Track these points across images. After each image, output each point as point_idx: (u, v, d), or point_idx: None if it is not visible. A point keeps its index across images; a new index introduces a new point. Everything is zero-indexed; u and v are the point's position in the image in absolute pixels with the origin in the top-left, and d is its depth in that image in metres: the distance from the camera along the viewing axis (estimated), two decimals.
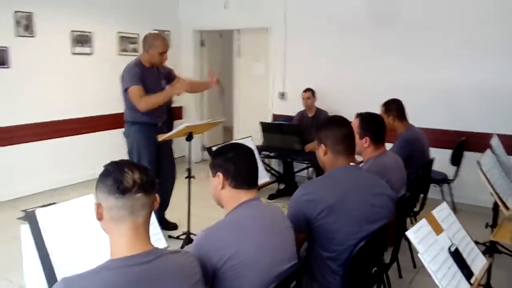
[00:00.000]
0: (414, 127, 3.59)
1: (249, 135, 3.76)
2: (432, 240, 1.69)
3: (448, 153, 4.39)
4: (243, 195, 1.70)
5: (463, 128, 4.71)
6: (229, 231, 1.61)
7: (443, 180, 4.35)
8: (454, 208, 4.35)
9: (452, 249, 1.72)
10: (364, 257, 1.97)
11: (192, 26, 6.63)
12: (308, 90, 5.19)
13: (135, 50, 5.99)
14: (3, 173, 4.70)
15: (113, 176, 1.29)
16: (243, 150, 1.79)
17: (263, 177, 3.25)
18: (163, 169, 3.82)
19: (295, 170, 5.40)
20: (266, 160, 5.08)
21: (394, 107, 3.52)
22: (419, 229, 1.67)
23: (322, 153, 2.11)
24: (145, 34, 3.74)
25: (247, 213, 1.68)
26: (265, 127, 4.98)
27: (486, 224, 2.95)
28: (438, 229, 1.76)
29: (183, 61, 6.53)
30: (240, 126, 6.68)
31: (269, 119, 5.96)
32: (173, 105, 5.89)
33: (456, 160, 4.39)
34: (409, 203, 3.01)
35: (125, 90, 3.56)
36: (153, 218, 1.83)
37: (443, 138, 4.67)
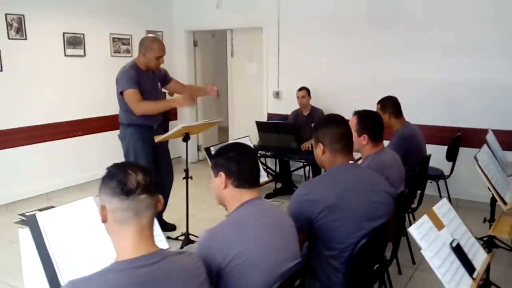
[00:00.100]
0: (410, 124, 3.61)
1: (244, 134, 3.76)
2: (434, 236, 1.70)
3: (443, 149, 4.42)
4: (246, 194, 1.71)
5: (458, 124, 4.74)
6: (232, 231, 1.61)
7: (439, 176, 4.38)
8: (450, 203, 4.37)
9: (454, 244, 1.73)
10: (366, 254, 1.97)
11: (185, 26, 6.61)
12: (302, 88, 5.20)
13: (128, 51, 5.96)
14: None
15: (117, 178, 1.28)
16: (245, 149, 1.80)
17: (262, 176, 3.25)
18: (161, 171, 3.81)
19: (292, 169, 5.41)
20: (262, 159, 5.08)
21: (390, 104, 3.53)
22: (421, 225, 1.68)
23: (320, 152, 2.12)
24: (142, 37, 3.72)
25: (250, 212, 1.68)
26: (260, 126, 4.97)
27: (484, 219, 2.97)
28: (439, 224, 1.77)
29: (176, 62, 6.51)
30: (235, 126, 6.68)
31: (264, 119, 5.96)
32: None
33: (451, 156, 4.41)
34: (407, 199, 3.02)
35: (121, 93, 3.53)
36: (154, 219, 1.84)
37: (438, 134, 4.70)
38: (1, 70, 4.61)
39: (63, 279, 1.72)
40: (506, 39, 4.48)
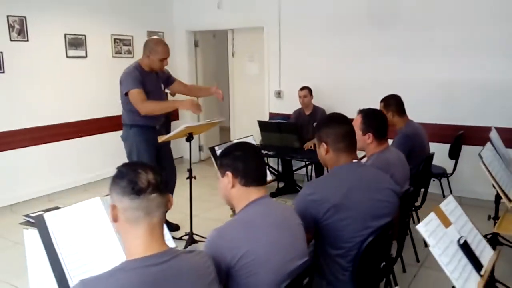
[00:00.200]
0: (413, 122, 3.61)
1: (245, 134, 3.77)
2: (442, 233, 1.71)
3: (446, 147, 4.42)
4: (254, 193, 1.71)
5: (460, 122, 4.75)
6: (241, 229, 1.61)
7: (442, 174, 4.38)
8: None
9: (461, 241, 1.73)
10: (373, 252, 1.98)
11: (186, 26, 6.61)
12: (304, 88, 5.20)
13: (129, 52, 5.97)
14: (0, 179, 4.65)
15: (128, 177, 1.28)
16: (250, 148, 1.81)
17: (267, 175, 3.26)
18: (164, 171, 3.81)
19: (294, 168, 5.41)
20: (265, 159, 5.08)
21: (393, 102, 3.54)
22: (428, 222, 1.68)
23: (324, 151, 2.12)
24: (147, 39, 3.72)
25: (258, 211, 1.68)
26: (263, 126, 4.97)
27: (489, 216, 2.97)
28: (446, 222, 1.78)
29: (177, 62, 6.51)
30: (237, 126, 6.69)
31: (265, 118, 5.97)
32: None
33: (454, 154, 4.42)
34: (411, 197, 3.02)
35: (126, 94, 3.53)
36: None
37: (441, 132, 4.70)
38: (3, 72, 4.61)
39: (72, 279, 1.72)
40: (507, 38, 4.49)
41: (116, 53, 5.82)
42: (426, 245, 3.04)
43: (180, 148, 5.70)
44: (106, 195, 1.97)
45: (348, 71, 5.39)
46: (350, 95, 5.28)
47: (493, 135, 3.34)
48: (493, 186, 2.74)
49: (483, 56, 4.60)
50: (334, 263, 2.01)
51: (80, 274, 1.75)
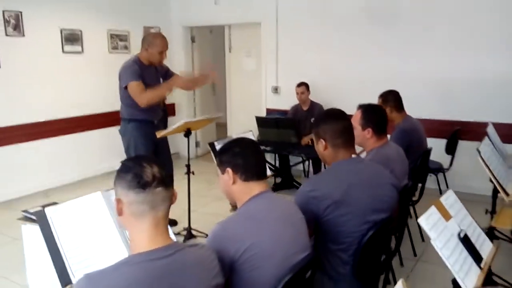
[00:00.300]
0: (411, 117, 3.63)
1: (242, 130, 3.78)
2: (442, 226, 1.72)
3: (443, 142, 4.45)
4: (255, 187, 1.71)
5: (457, 118, 4.78)
6: (244, 223, 1.62)
7: (438, 169, 4.41)
8: None
9: (462, 235, 1.75)
10: (373, 246, 1.99)
11: (183, 22, 6.59)
12: (301, 84, 5.20)
13: (126, 48, 5.94)
14: None
15: (133, 171, 1.28)
16: (248, 143, 1.81)
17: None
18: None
19: (291, 163, 5.42)
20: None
21: (392, 98, 3.55)
22: (429, 216, 1.70)
23: (322, 148, 2.12)
24: (145, 33, 3.72)
25: (260, 205, 1.69)
26: (260, 121, 4.97)
27: (486, 210, 3.00)
28: (446, 215, 1.79)
29: (174, 58, 6.47)
30: (233, 122, 6.68)
31: (262, 114, 5.96)
32: (166, 102, 5.85)
33: (451, 149, 4.44)
34: (410, 192, 3.04)
35: (125, 87, 3.53)
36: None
37: (438, 128, 4.72)
38: None
39: (73, 274, 1.73)
40: (504, 34, 4.52)
41: (112, 48, 5.79)
42: (423, 239, 3.06)
43: (176, 144, 5.68)
44: (107, 190, 1.98)
45: (345, 66, 5.40)
46: (347, 90, 5.29)
47: (490, 130, 3.37)
48: (491, 180, 2.77)
49: (481, 53, 4.62)
50: (335, 257, 2.02)
51: (81, 268, 1.75)
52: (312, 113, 5.12)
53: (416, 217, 3.65)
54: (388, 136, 3.36)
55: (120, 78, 3.58)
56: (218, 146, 3.05)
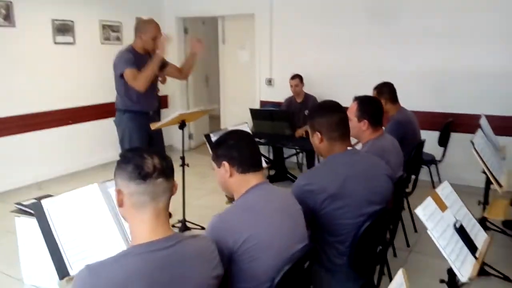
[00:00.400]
0: (405, 109, 3.65)
1: (236, 122, 3.76)
2: (439, 217, 1.74)
3: (435, 134, 4.49)
4: (252, 179, 1.71)
5: (449, 110, 4.82)
6: (243, 214, 1.62)
7: (431, 161, 4.45)
8: None
9: (458, 225, 1.77)
10: (370, 237, 2.01)
11: (175, 13, 6.53)
12: (295, 77, 5.20)
13: (118, 39, 5.88)
14: None
15: (133, 162, 1.28)
16: (242, 135, 1.80)
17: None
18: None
19: (285, 156, 5.43)
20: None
21: (386, 90, 3.56)
22: (426, 207, 1.71)
23: (318, 141, 2.11)
24: (137, 21, 3.69)
25: (258, 196, 1.69)
26: (254, 113, 4.97)
27: (479, 201, 3.03)
28: (442, 206, 1.81)
29: (166, 49, 6.42)
30: (227, 114, 6.67)
31: (256, 106, 5.95)
32: (159, 94, 5.82)
33: (443, 141, 4.48)
34: (404, 184, 3.06)
35: (120, 76, 3.51)
36: None
37: (430, 120, 4.75)
38: None
39: (71, 265, 1.72)
40: (496, 26, 4.55)
41: (104, 39, 5.73)
42: (415, 230, 3.08)
43: (169, 137, 5.66)
44: (104, 182, 1.98)
45: (339, 59, 5.40)
46: (341, 83, 5.29)
47: (483, 122, 3.40)
48: (484, 172, 2.80)
49: (473, 45, 4.65)
50: (331, 249, 2.03)
51: (79, 260, 1.74)
52: (306, 105, 5.13)
53: (410, 209, 3.70)
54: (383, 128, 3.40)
55: (115, 67, 3.56)
56: (214, 138, 3.04)
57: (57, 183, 5.07)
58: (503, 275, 2.95)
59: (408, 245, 3.55)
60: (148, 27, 3.56)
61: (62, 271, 1.71)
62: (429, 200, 1.75)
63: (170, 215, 4.12)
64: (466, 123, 4.55)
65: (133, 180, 1.27)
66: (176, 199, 3.90)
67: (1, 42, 4.60)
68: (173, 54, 6.52)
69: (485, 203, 3.05)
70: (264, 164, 3.37)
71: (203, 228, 3.70)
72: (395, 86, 3.71)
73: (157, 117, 3.89)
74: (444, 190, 1.92)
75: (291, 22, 5.66)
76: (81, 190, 1.90)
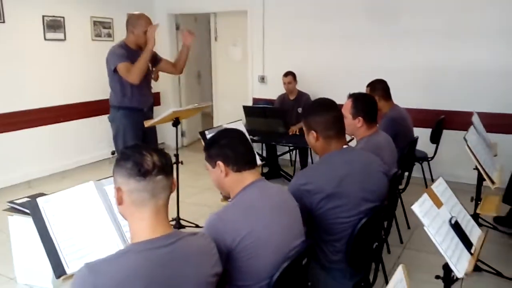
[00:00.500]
0: (398, 106, 3.67)
1: (228, 120, 3.75)
2: (435, 213, 1.75)
3: (427, 132, 4.52)
4: (248, 176, 1.71)
5: (441, 107, 4.85)
6: (240, 212, 1.62)
7: (423, 158, 4.48)
8: None
9: (453, 221, 1.79)
10: (366, 234, 2.02)
11: (167, 9, 6.49)
12: (288, 74, 5.19)
13: (109, 35, 5.83)
14: None
15: (133, 159, 1.27)
16: (234, 133, 1.79)
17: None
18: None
19: (278, 153, 5.43)
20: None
21: (380, 87, 3.58)
22: (422, 203, 1.72)
23: (313, 139, 2.10)
24: (128, 16, 3.66)
25: (255, 194, 1.68)
26: (248, 111, 4.95)
27: (472, 198, 3.06)
28: (438, 203, 1.82)
29: (158, 46, 6.32)
30: (219, 111, 6.65)
31: (249, 103, 5.95)
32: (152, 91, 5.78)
33: (435, 138, 4.52)
34: (398, 180, 3.08)
35: (114, 70, 3.49)
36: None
37: (422, 117, 4.78)
38: None
39: (68, 264, 1.70)
40: (489, 24, 4.59)
41: (95, 36, 5.68)
42: (408, 227, 3.10)
43: (162, 134, 5.61)
44: (100, 180, 1.96)
45: (332, 56, 5.41)
46: (334, 80, 5.31)
47: (475, 119, 3.43)
48: (477, 168, 2.83)
49: (465, 42, 4.70)
50: (327, 246, 2.04)
51: (76, 259, 1.73)
52: (299, 102, 5.13)
53: (403, 205, 3.73)
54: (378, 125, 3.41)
55: (108, 62, 3.54)
56: (209, 135, 3.03)
57: (47, 181, 5.03)
58: (495, 271, 2.98)
59: (401, 242, 3.58)
60: (139, 22, 3.54)
61: (58, 270, 1.69)
62: (425, 197, 1.77)
63: None
64: (458, 120, 4.60)
65: (132, 177, 1.26)
66: (170, 197, 3.90)
67: None
68: (166, 50, 6.48)
69: (477, 199, 3.07)
70: (258, 161, 3.40)
71: (197, 226, 3.69)
72: (388, 83, 3.72)
73: (151, 114, 3.87)
74: (439, 186, 1.93)
75: (284, 19, 5.65)
76: (76, 188, 1.88)
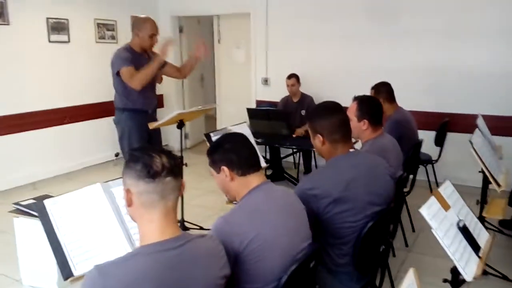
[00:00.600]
0: (403, 109, 3.66)
1: (232, 122, 3.74)
2: (442, 216, 1.75)
3: (432, 134, 4.51)
4: (253, 180, 1.70)
5: (446, 110, 4.84)
6: (247, 215, 1.61)
7: (427, 161, 4.47)
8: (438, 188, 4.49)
9: (461, 224, 1.78)
10: (373, 237, 2.01)
11: (170, 12, 6.50)
12: (292, 76, 5.18)
13: (113, 37, 5.85)
14: None
15: (142, 161, 1.27)
16: (237, 137, 1.78)
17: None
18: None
19: (282, 155, 5.43)
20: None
21: (384, 89, 3.57)
22: (430, 206, 1.72)
23: (320, 143, 2.09)
24: (134, 19, 3.68)
25: (261, 197, 1.68)
26: (252, 113, 4.94)
27: (477, 201, 3.05)
28: (445, 206, 1.82)
29: (169, 52, 6.38)
30: (223, 114, 6.65)
31: (252, 106, 5.95)
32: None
33: (439, 141, 4.51)
34: (404, 183, 3.08)
35: (117, 74, 3.50)
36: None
37: (426, 119, 4.77)
38: None
39: (75, 266, 1.70)
40: (493, 26, 4.58)
41: (99, 38, 5.69)
42: (413, 230, 3.09)
43: (165, 136, 5.62)
44: (106, 181, 1.96)
45: (336, 58, 5.41)
46: (338, 82, 5.31)
47: (480, 122, 3.42)
48: (482, 171, 2.82)
49: (469, 44, 4.69)
50: (334, 249, 2.03)
51: (83, 261, 1.73)
52: (303, 105, 5.13)
53: (407, 208, 3.72)
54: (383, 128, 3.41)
55: (112, 65, 3.56)
56: (214, 138, 3.03)
57: (52, 183, 5.03)
58: (501, 274, 2.97)
59: (406, 245, 3.56)
60: (144, 25, 3.56)
61: (66, 271, 1.69)
62: (432, 200, 1.76)
63: None
64: (462, 123, 4.59)
65: (142, 179, 1.27)
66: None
67: None
68: (169, 53, 6.50)
69: (483, 202, 3.06)
70: (263, 163, 3.40)
71: (201, 228, 3.69)
72: (392, 85, 3.72)
73: (155, 116, 3.88)
74: (447, 189, 1.93)
75: (287, 21, 5.66)
76: (83, 190, 1.89)
